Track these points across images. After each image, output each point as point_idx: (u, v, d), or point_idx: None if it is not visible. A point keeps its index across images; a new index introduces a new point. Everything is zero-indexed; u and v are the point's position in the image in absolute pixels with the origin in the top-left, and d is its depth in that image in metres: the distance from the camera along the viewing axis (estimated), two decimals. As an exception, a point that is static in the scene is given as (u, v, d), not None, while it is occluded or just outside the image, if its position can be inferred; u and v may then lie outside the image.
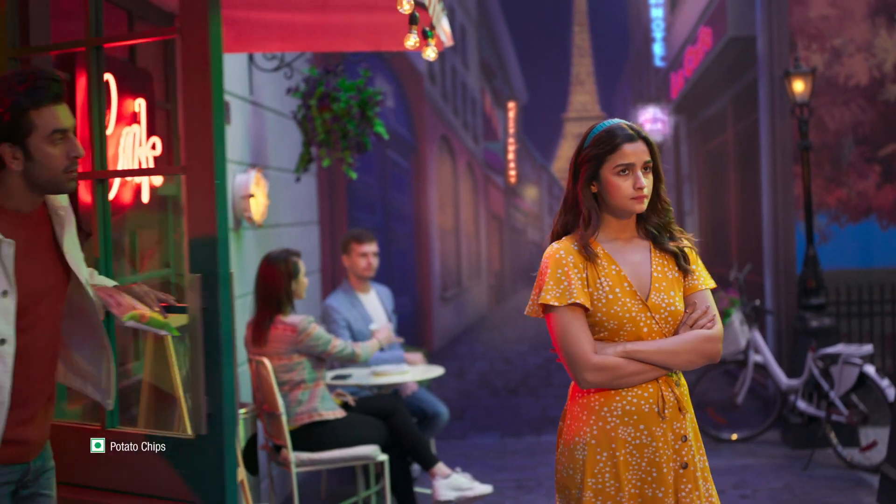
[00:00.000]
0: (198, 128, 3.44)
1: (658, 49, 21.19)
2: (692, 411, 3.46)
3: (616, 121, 3.51)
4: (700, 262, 3.53)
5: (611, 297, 3.36)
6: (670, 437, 3.35)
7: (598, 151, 3.42)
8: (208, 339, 3.39)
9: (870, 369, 7.94)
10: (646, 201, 3.41)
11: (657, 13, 21.09)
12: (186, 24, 3.42)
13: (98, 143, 3.73)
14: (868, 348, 8.13)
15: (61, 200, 3.37)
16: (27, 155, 3.13)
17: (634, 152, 3.40)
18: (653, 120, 22.91)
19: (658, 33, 21.06)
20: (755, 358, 9.24)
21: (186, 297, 3.39)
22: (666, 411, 3.34)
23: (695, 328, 3.38)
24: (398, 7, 4.25)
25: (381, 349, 7.52)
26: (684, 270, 3.46)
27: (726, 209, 15.59)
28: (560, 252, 3.41)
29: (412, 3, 4.35)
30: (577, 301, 3.33)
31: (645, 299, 3.39)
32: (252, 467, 6.11)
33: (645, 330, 3.37)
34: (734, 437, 9.19)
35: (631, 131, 3.43)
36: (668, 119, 22.53)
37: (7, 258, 3.10)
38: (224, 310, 3.40)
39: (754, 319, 9.39)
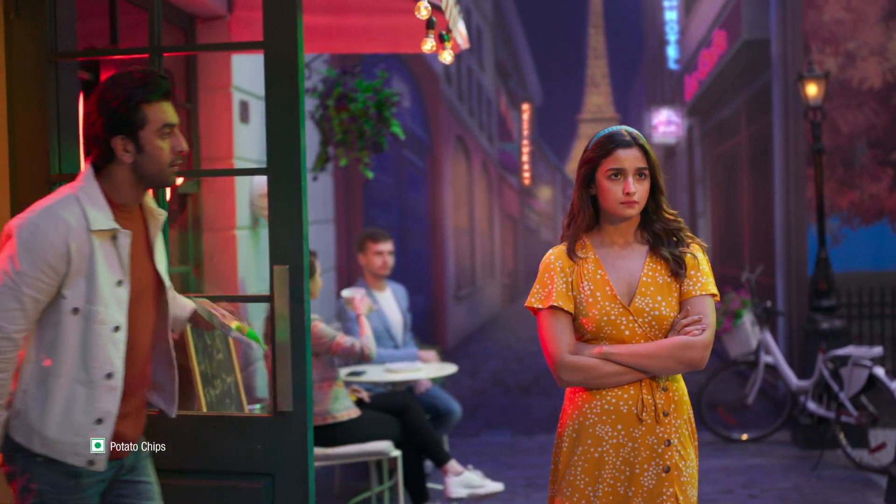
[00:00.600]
0: (284, 134, 3.66)
1: (672, 52, 21.22)
2: (685, 416, 3.47)
3: (619, 127, 3.55)
4: (706, 268, 3.50)
5: (591, 300, 3.41)
6: (650, 440, 3.37)
7: (594, 155, 3.48)
8: (294, 324, 3.62)
9: (879, 371, 7.99)
10: (637, 207, 3.44)
11: (671, 16, 21.12)
12: (272, 38, 3.60)
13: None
14: (878, 350, 8.19)
15: (153, 203, 3.48)
16: (138, 148, 3.25)
17: (627, 158, 3.43)
18: (666, 122, 22.94)
19: (672, 36, 21.09)
20: (766, 359, 9.30)
21: (274, 287, 3.62)
22: (644, 415, 3.36)
23: (682, 334, 3.38)
24: (416, 12, 4.33)
25: (396, 347, 7.61)
26: (676, 276, 3.45)
27: (739, 211, 15.63)
28: (551, 257, 3.51)
29: (429, 8, 4.42)
30: (557, 304, 3.41)
31: (628, 303, 3.41)
32: (268, 461, 6.20)
33: (627, 333, 3.40)
34: (744, 437, 9.25)
35: (628, 137, 3.47)
36: (681, 121, 22.56)
37: (123, 248, 3.24)
38: (306, 297, 3.65)
39: (765, 320, 9.45)
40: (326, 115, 7.49)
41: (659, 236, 3.50)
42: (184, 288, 6.34)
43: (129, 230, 3.27)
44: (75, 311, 3.17)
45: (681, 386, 3.48)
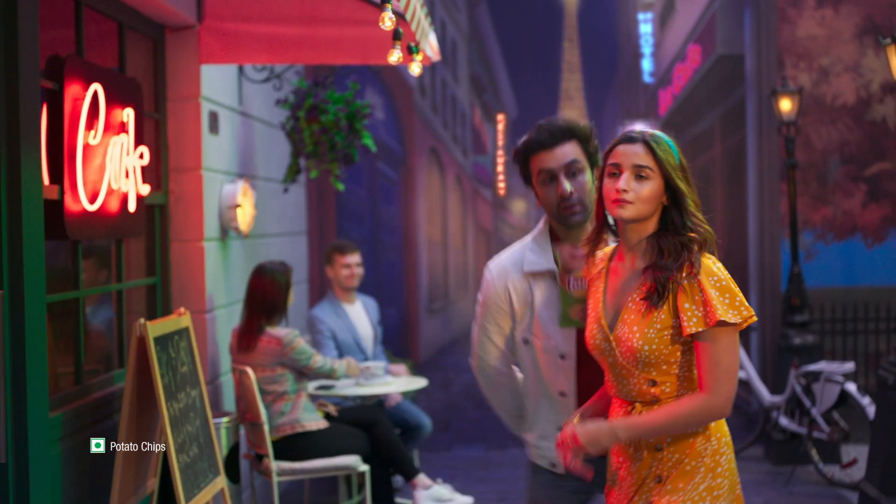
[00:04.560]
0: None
1: (646, 65, 21.26)
2: (686, 450, 3.09)
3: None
4: (718, 289, 3.02)
5: (590, 318, 3.21)
6: (644, 473, 3.13)
7: (604, 154, 3.20)
8: (13, 362, 3.18)
9: (851, 387, 7.98)
10: (631, 208, 3.05)
11: (646, 29, 21.16)
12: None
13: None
14: (850, 366, 8.18)
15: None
16: (536, 194, 3.68)
17: (626, 153, 3.09)
18: (640, 136, 23.04)
19: (647, 49, 21.12)
20: (738, 374, 9.27)
21: None
22: (633, 450, 3.15)
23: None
24: (380, 24, 4.29)
25: (366, 360, 7.55)
26: (650, 302, 3.04)
27: (712, 225, 15.51)
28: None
29: (394, 20, 4.38)
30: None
31: (611, 329, 3.12)
32: (234, 475, 6.14)
33: (609, 361, 3.13)
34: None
35: (635, 134, 3.14)
36: (655, 135, 22.65)
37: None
38: (27, 326, 3.20)
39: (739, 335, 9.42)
40: (297, 127, 7.42)
41: (661, 253, 3.09)
42: (151, 300, 6.27)
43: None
44: (525, 341, 3.65)
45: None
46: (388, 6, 4.25)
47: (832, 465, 8.41)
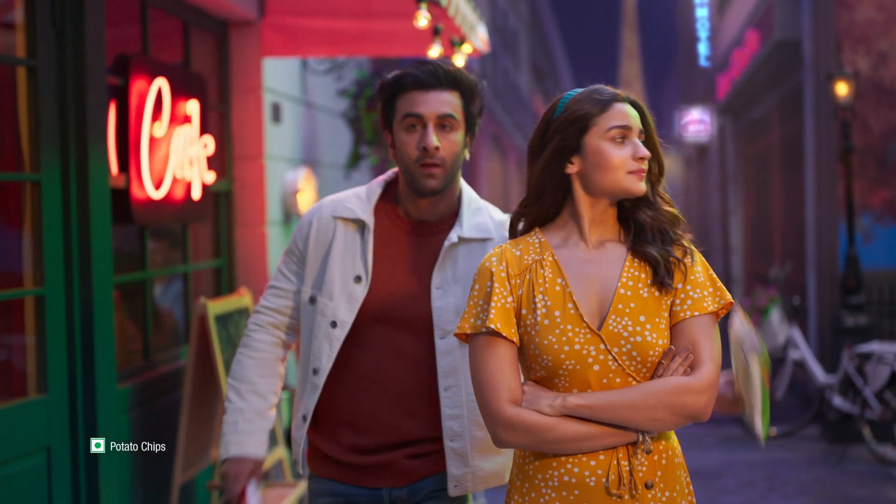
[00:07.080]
0: None
1: (703, 48, 21.15)
2: (677, 487, 2.45)
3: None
4: (702, 276, 2.47)
5: (546, 322, 2.40)
6: None
7: (583, 112, 2.47)
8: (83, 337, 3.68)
9: (901, 367, 8.07)
10: (644, 179, 2.48)
11: (702, 13, 21.04)
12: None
13: None
14: (900, 346, 8.26)
15: (475, 231, 2.95)
16: (394, 142, 2.93)
17: (632, 115, 2.48)
18: (697, 121, 23.02)
19: (703, 33, 21.01)
20: (793, 355, 9.38)
21: None
22: (618, 489, 2.36)
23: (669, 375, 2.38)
24: (414, 22, 4.45)
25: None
26: (662, 284, 2.43)
27: (770, 209, 15.68)
28: (492, 259, 2.48)
29: (429, 17, 4.55)
30: (494, 327, 2.40)
31: (598, 327, 2.40)
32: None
33: (596, 369, 2.37)
34: (773, 431, 9.31)
35: (620, 93, 2.53)
36: (711, 120, 22.60)
37: (369, 243, 2.92)
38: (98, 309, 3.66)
39: (794, 316, 9.53)
40: (357, 116, 7.69)
41: (643, 229, 2.49)
42: (217, 281, 6.55)
43: (386, 242, 2.94)
44: (311, 300, 2.94)
45: (672, 444, 2.48)
46: (423, 5, 4.41)
47: (885, 444, 8.48)
